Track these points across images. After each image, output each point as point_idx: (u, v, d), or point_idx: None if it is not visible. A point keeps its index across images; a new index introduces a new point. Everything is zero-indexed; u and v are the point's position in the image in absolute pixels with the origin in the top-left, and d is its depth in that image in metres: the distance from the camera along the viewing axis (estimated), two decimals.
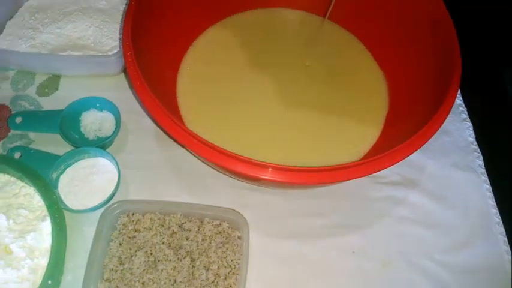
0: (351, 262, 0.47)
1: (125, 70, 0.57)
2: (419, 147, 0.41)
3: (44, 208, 0.42)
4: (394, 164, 0.40)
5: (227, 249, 0.44)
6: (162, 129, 0.49)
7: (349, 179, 0.39)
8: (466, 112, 0.59)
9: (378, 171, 0.40)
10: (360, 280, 0.46)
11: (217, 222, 0.46)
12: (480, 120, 0.58)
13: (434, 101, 0.45)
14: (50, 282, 0.38)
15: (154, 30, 0.50)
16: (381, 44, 0.59)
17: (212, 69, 0.57)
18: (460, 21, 0.48)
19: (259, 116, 0.54)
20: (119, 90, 0.56)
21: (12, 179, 0.45)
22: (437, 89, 0.47)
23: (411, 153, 0.41)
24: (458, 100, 0.59)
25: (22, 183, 0.45)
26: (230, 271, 0.43)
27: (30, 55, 0.54)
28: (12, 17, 0.59)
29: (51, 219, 0.41)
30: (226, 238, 0.45)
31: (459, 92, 0.59)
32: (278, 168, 0.38)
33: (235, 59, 0.59)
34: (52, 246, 0.39)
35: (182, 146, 0.47)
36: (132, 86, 0.55)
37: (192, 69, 0.57)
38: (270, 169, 0.38)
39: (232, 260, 0.43)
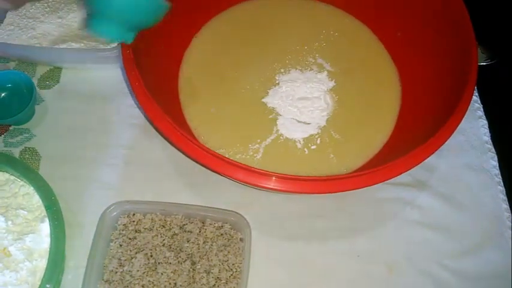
0: (355, 266, 0.45)
1: None
2: (431, 154, 0.40)
3: (43, 208, 0.42)
4: (403, 172, 0.39)
5: (228, 252, 0.43)
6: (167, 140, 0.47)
7: (358, 188, 0.38)
8: (482, 109, 0.56)
9: (388, 180, 0.39)
10: (364, 285, 0.45)
11: (219, 224, 0.45)
12: (496, 118, 0.55)
13: (448, 101, 0.43)
14: (48, 286, 0.37)
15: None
16: (395, 40, 0.56)
17: (216, 64, 0.55)
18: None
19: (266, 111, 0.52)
20: (122, 82, 0.55)
21: (12, 177, 0.44)
22: (453, 86, 0.45)
23: (422, 161, 0.39)
24: (474, 96, 0.56)
25: (21, 183, 0.44)
26: (231, 275, 0.42)
27: (29, 48, 0.53)
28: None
29: (50, 221, 0.40)
30: (228, 240, 0.44)
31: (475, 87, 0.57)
32: (282, 178, 0.36)
33: (241, 51, 0.56)
34: (50, 250, 0.39)
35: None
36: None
37: (194, 65, 0.55)
38: (273, 178, 0.36)
39: (233, 264, 0.43)
